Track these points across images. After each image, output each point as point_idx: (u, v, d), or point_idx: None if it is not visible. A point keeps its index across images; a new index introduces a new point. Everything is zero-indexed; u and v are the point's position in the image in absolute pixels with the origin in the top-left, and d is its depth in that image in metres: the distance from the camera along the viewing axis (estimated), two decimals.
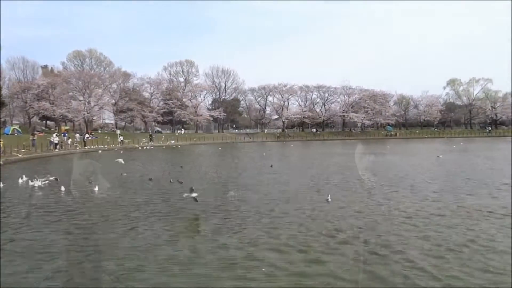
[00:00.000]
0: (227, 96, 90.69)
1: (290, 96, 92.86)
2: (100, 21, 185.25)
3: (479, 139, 69.20)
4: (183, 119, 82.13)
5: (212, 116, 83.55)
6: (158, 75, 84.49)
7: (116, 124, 79.15)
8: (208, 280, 6.06)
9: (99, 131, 71.83)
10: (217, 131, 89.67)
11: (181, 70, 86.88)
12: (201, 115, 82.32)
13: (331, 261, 6.72)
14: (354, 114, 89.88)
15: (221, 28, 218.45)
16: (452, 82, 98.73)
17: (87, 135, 53.66)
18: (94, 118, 73.38)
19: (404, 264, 6.58)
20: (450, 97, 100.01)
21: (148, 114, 75.62)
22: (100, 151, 42.72)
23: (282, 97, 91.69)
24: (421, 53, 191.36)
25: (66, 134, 50.56)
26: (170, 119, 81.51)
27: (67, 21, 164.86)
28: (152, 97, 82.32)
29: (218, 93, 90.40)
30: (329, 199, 12.23)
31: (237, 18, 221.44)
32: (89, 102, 67.11)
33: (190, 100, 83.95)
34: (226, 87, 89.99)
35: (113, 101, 73.26)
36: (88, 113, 65.88)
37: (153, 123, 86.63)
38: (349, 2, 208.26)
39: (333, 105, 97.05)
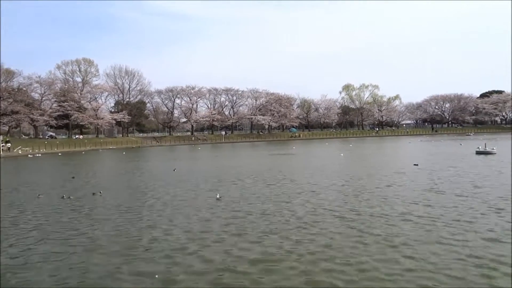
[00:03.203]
0: (131, 98, 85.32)
1: (199, 99, 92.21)
2: None
3: (369, 139, 77.68)
4: (81, 123, 74.93)
5: (115, 119, 77.79)
6: (50, 74, 75.67)
7: None
8: None
9: None
10: (121, 135, 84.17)
11: (78, 69, 78.94)
12: (102, 119, 76.12)
13: None
14: (261, 117, 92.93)
15: (123, 27, 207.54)
16: (346, 88, 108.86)
17: None
18: None
19: None
20: (345, 101, 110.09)
21: (38, 117, 67.25)
22: None
23: (191, 99, 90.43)
24: (321, 58, 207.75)
25: None
26: (66, 123, 73.75)
27: None
28: (43, 98, 73.45)
29: (121, 95, 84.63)
30: (219, 197, 12.80)
31: (140, 18, 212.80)
32: None
33: (89, 102, 77.24)
34: (131, 88, 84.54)
35: None
36: None
37: (45, 128, 77.44)
38: (256, 7, 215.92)
39: (241, 108, 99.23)
